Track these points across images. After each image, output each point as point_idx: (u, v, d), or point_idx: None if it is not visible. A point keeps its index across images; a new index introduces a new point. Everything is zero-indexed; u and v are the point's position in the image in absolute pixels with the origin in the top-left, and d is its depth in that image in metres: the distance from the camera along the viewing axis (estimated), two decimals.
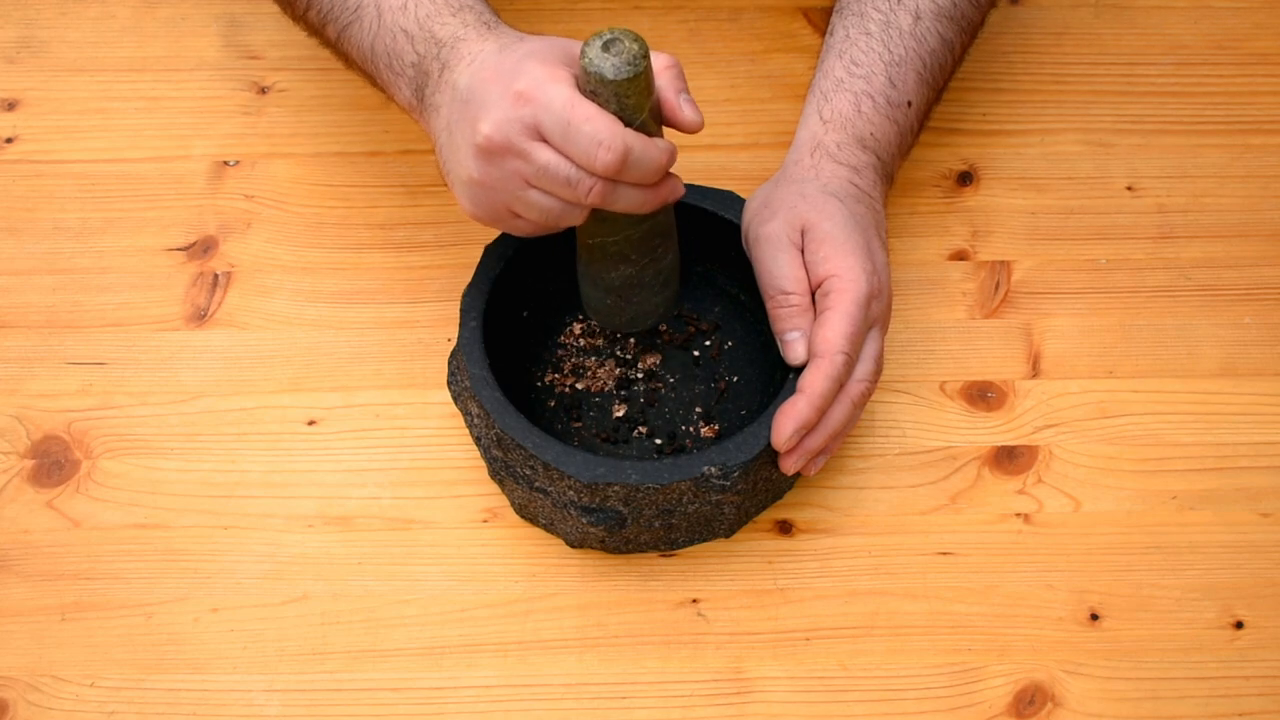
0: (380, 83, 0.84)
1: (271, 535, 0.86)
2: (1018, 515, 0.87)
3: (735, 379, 0.90)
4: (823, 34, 0.93)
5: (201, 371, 0.92)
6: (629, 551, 0.85)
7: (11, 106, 1.04)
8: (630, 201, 0.74)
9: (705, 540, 0.85)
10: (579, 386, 0.90)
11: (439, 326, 0.93)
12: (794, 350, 0.81)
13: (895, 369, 0.91)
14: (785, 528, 0.86)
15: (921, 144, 0.96)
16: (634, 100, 0.71)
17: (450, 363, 0.86)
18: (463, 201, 0.78)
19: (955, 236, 0.98)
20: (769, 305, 0.82)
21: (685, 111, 0.74)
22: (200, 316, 0.94)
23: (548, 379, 0.90)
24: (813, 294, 0.81)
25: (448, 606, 0.84)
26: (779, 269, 0.81)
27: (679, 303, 0.90)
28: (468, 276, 0.85)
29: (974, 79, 1.04)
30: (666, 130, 0.76)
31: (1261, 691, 0.81)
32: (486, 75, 0.74)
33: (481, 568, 0.85)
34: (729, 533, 0.85)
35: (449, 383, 0.86)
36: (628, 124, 0.72)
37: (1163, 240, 0.98)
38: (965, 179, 1.00)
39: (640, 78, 0.71)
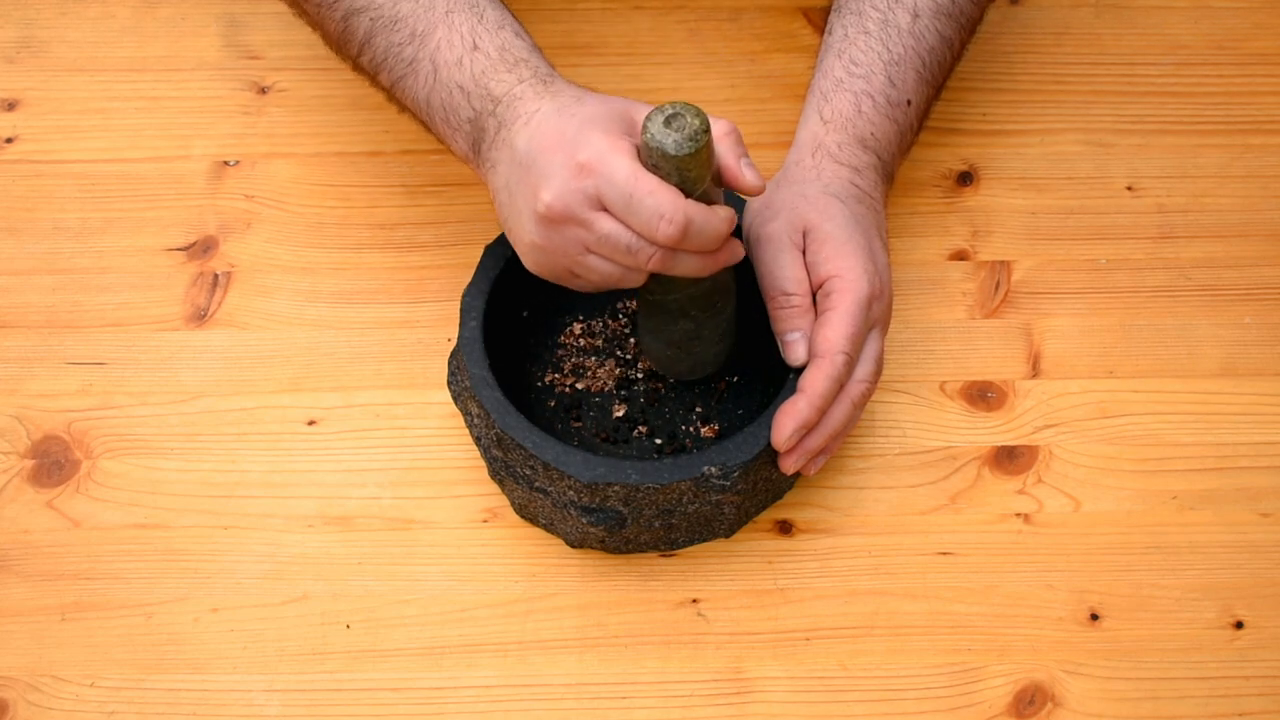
0: (436, 133, 0.84)
1: (271, 535, 0.86)
2: (1018, 515, 0.87)
3: (735, 379, 0.89)
4: (822, 33, 0.93)
5: (201, 371, 0.92)
6: (629, 551, 0.85)
7: (11, 106, 1.04)
8: (690, 267, 0.76)
9: (705, 540, 0.85)
10: (579, 386, 0.90)
11: (439, 326, 0.93)
12: (794, 351, 0.81)
13: (895, 369, 0.91)
14: (785, 528, 0.86)
15: (921, 144, 0.96)
16: (695, 173, 0.73)
17: (450, 363, 0.86)
18: (525, 260, 0.80)
19: (955, 236, 0.98)
20: (770, 306, 0.82)
21: (747, 177, 0.76)
22: (200, 316, 0.94)
23: (548, 379, 0.90)
24: (813, 295, 0.81)
25: (448, 606, 0.84)
26: (780, 270, 0.81)
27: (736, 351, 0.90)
28: (468, 276, 0.85)
29: (974, 79, 1.04)
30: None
31: (1261, 691, 0.81)
32: (547, 142, 0.75)
33: (481, 568, 0.85)
34: (729, 533, 0.85)
35: (449, 383, 0.86)
36: (688, 194, 0.73)
37: (1163, 240, 0.98)
38: (965, 179, 1.00)
39: (701, 152, 0.72)
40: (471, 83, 0.80)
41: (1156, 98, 1.04)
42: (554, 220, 0.75)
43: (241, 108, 1.04)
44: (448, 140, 0.83)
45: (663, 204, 0.72)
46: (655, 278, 0.79)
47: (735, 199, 0.88)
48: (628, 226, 0.73)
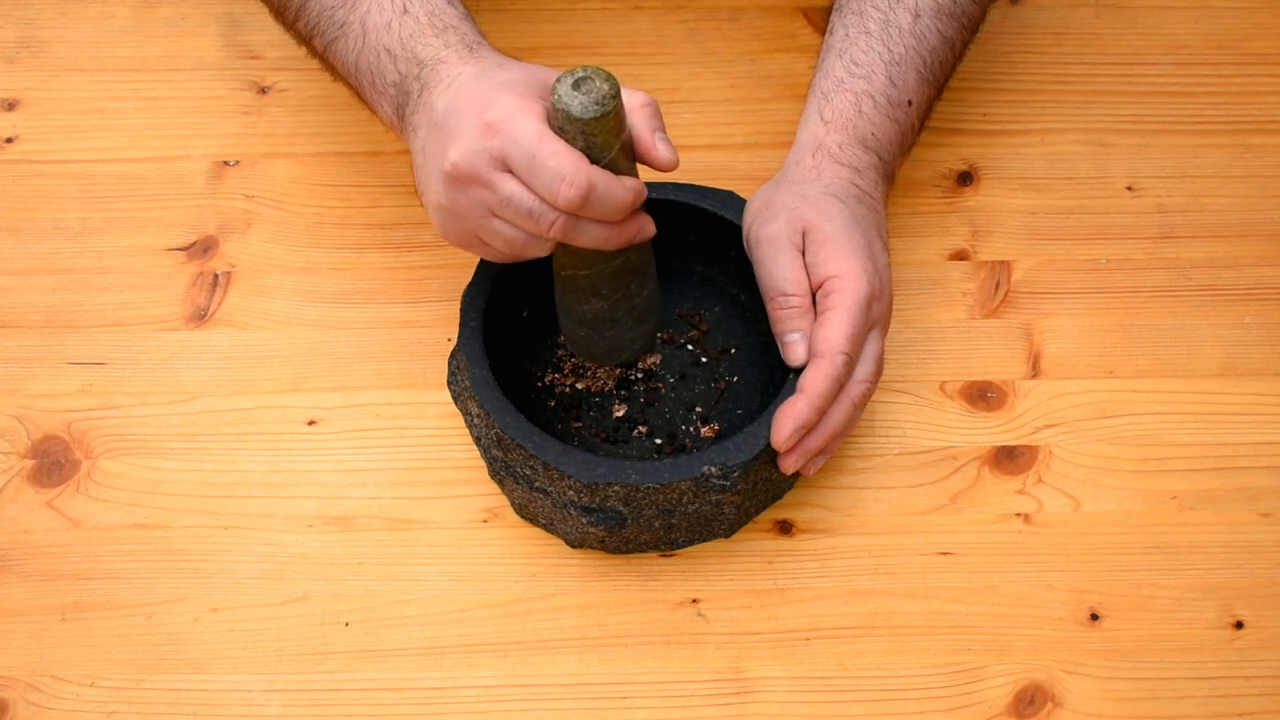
0: (363, 98, 0.85)
1: (271, 535, 0.86)
2: (1018, 515, 0.87)
3: (735, 379, 0.90)
4: (823, 33, 0.93)
5: (201, 371, 0.92)
6: (629, 551, 0.85)
7: (11, 106, 1.04)
8: (594, 237, 0.75)
9: (705, 540, 0.85)
10: (579, 386, 0.90)
11: (439, 326, 0.93)
12: (794, 352, 0.81)
13: (895, 369, 0.91)
14: (785, 528, 0.86)
15: (921, 144, 0.96)
16: (601, 139, 0.72)
17: (450, 363, 0.86)
18: (434, 223, 0.79)
19: (955, 236, 0.98)
20: (769, 307, 0.82)
21: (660, 150, 0.75)
22: (200, 316, 0.94)
23: (548, 379, 0.90)
24: (813, 295, 0.81)
25: (448, 606, 0.84)
26: (780, 270, 0.81)
27: (660, 335, 0.90)
28: (468, 276, 0.85)
29: (974, 79, 1.04)
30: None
31: (1261, 691, 0.81)
32: (461, 102, 0.75)
33: (481, 568, 0.85)
34: (729, 533, 0.85)
35: (449, 383, 0.86)
36: (595, 161, 0.72)
37: (1163, 240, 0.98)
38: (965, 179, 1.00)
39: (608, 117, 0.71)
40: (399, 46, 0.80)
41: (1156, 98, 1.04)
42: (459, 180, 0.74)
43: (241, 108, 1.04)
44: (374, 105, 0.83)
45: (564, 166, 0.70)
46: (566, 251, 0.77)
47: (736, 200, 0.88)
48: (531, 189, 0.72)
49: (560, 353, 0.91)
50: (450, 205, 0.76)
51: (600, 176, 0.72)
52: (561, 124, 0.71)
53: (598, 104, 0.70)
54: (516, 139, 0.71)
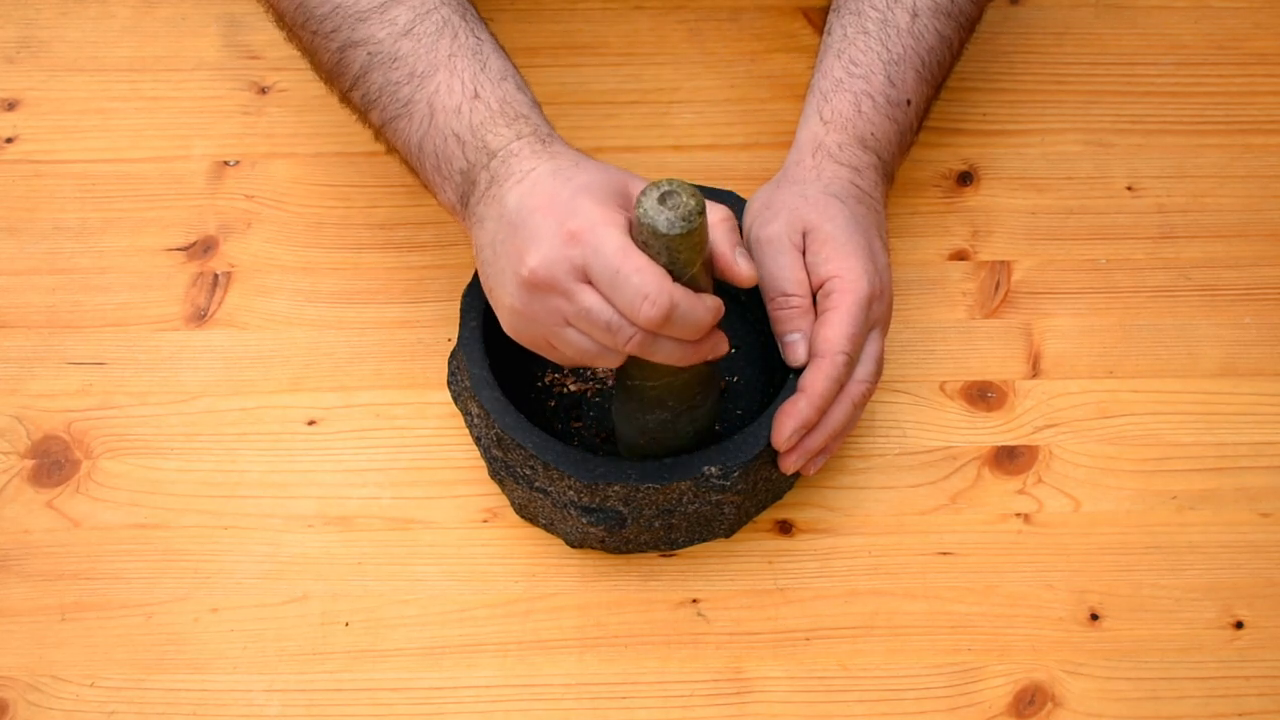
0: (423, 179, 0.82)
1: (271, 535, 0.86)
2: (1018, 515, 0.87)
3: (735, 379, 0.90)
4: (821, 33, 0.93)
5: (201, 371, 0.92)
6: (629, 551, 0.85)
7: (11, 106, 1.04)
8: (669, 354, 0.73)
9: (705, 540, 0.85)
10: (579, 386, 0.90)
11: (439, 326, 0.93)
12: (794, 352, 0.81)
13: (895, 369, 0.91)
14: (785, 528, 0.86)
15: (921, 144, 0.96)
16: (685, 255, 0.70)
17: (450, 363, 0.86)
18: (504, 323, 0.77)
19: (955, 236, 0.98)
20: (770, 307, 0.82)
21: (740, 266, 0.73)
22: (200, 316, 0.94)
23: (548, 379, 0.90)
24: (814, 296, 0.81)
25: (448, 606, 0.84)
26: (780, 271, 0.81)
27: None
28: (468, 276, 0.85)
29: (974, 79, 1.04)
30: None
31: (1261, 691, 0.81)
32: (538, 203, 0.72)
33: (481, 568, 0.85)
34: (729, 533, 0.85)
35: (449, 383, 0.86)
36: (677, 277, 0.70)
37: (1163, 240, 0.98)
38: (965, 179, 1.00)
39: (694, 234, 0.69)
40: (469, 132, 0.77)
41: (1156, 98, 1.04)
42: (537, 286, 0.72)
43: (241, 108, 1.04)
44: (435, 188, 0.81)
45: (648, 284, 0.68)
46: (634, 363, 0.76)
47: (736, 200, 0.88)
48: (610, 303, 0.71)
49: None
50: (524, 310, 0.74)
51: (682, 295, 0.70)
52: (646, 238, 0.69)
53: (684, 220, 0.68)
54: (600, 251, 0.69)
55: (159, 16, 1.08)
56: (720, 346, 0.75)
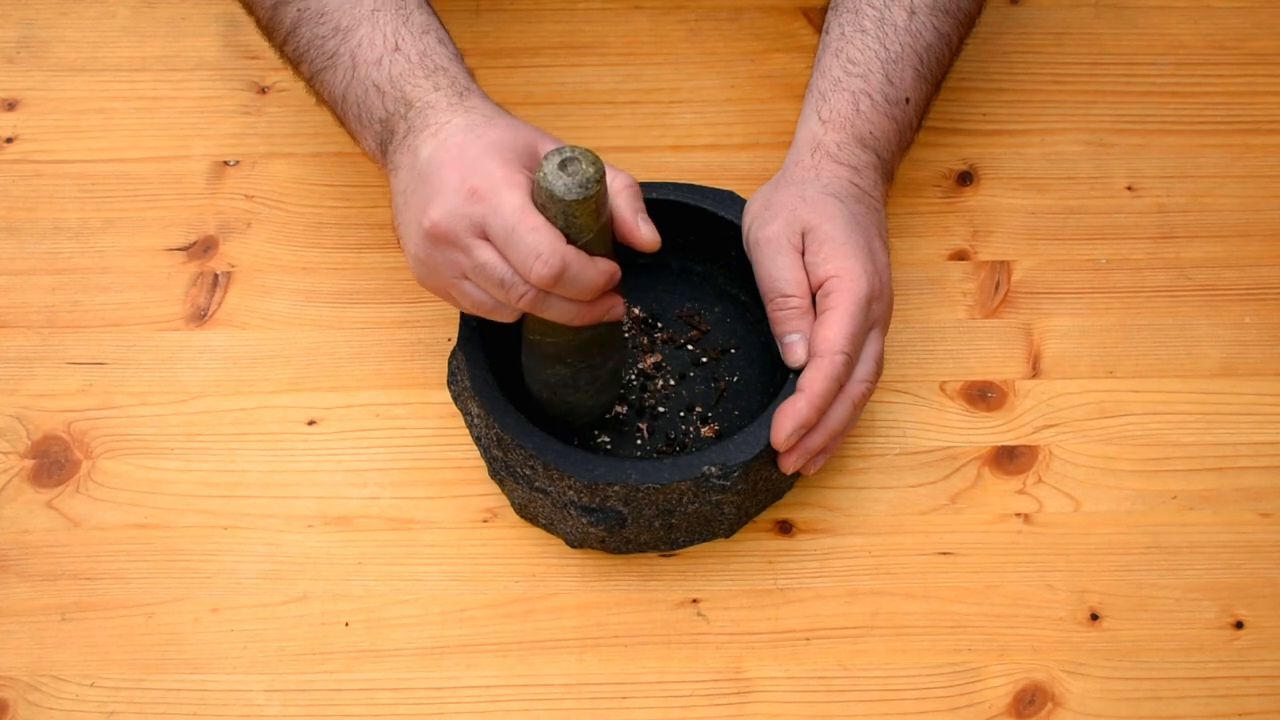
0: (347, 128, 0.85)
1: (271, 535, 0.86)
2: (1018, 515, 0.87)
3: (735, 379, 0.90)
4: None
5: (201, 371, 0.92)
6: (629, 551, 0.85)
7: (11, 106, 1.04)
8: (561, 313, 0.76)
9: (705, 540, 0.85)
10: None
11: (439, 326, 0.93)
12: (794, 353, 0.81)
13: (895, 369, 0.91)
14: (785, 528, 0.86)
15: (921, 144, 0.96)
16: (582, 220, 0.72)
17: (450, 363, 0.86)
18: (409, 266, 0.80)
19: (955, 236, 0.98)
20: (769, 308, 0.82)
21: (642, 231, 0.76)
22: (200, 316, 0.94)
23: None
24: (813, 296, 0.81)
25: (448, 606, 0.84)
26: (779, 271, 0.81)
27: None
28: None
29: (974, 79, 1.04)
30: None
31: (1261, 691, 0.81)
32: (447, 157, 0.75)
33: (481, 568, 0.85)
34: (729, 533, 0.85)
35: (449, 383, 0.86)
36: (573, 240, 0.73)
37: (1163, 240, 0.98)
38: (965, 179, 1.00)
39: (591, 200, 0.72)
40: (388, 83, 0.80)
41: (1156, 98, 1.04)
42: (437, 239, 0.75)
43: (241, 108, 1.04)
44: (358, 137, 0.84)
45: (541, 244, 0.71)
46: (535, 318, 0.78)
47: (736, 200, 0.88)
48: (506, 260, 0.73)
49: None
50: (425, 259, 0.77)
51: (575, 257, 0.73)
52: (544, 201, 0.72)
53: (581, 186, 0.71)
54: (499, 210, 0.72)
55: (159, 16, 1.08)
56: (615, 310, 0.78)
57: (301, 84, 0.87)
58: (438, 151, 0.76)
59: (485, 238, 0.74)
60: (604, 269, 0.75)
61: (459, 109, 0.78)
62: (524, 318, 0.80)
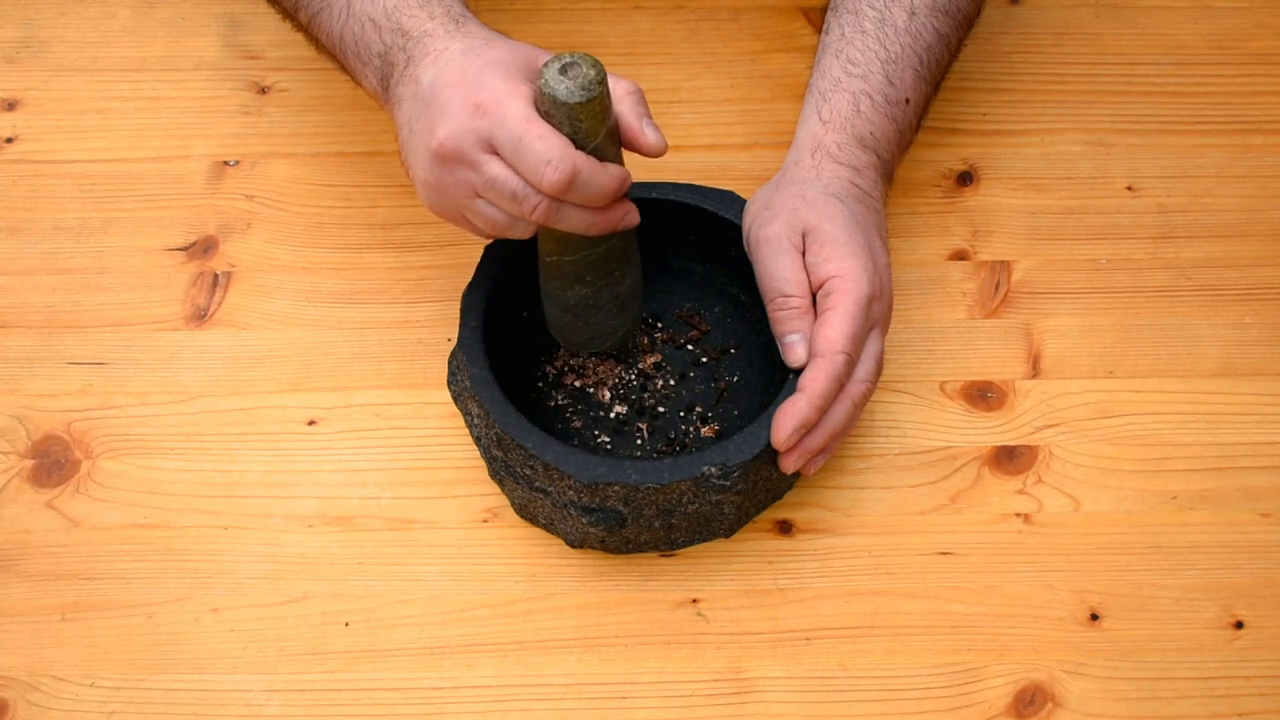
0: (347, 69, 0.85)
1: (271, 535, 0.86)
2: (1018, 515, 0.87)
3: (735, 379, 0.90)
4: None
5: (201, 371, 0.92)
6: (629, 551, 0.85)
7: (11, 106, 1.04)
8: (576, 222, 0.76)
9: (705, 540, 0.85)
10: (579, 385, 0.90)
11: (439, 326, 0.93)
12: (794, 353, 0.81)
13: (895, 369, 0.91)
14: (785, 528, 0.86)
15: (921, 144, 0.96)
16: (587, 124, 0.72)
17: (450, 363, 0.86)
18: (420, 197, 0.80)
19: (955, 236, 0.98)
20: (769, 308, 0.82)
21: (648, 135, 0.76)
22: (200, 316, 0.94)
23: (548, 378, 0.90)
24: (813, 296, 0.81)
25: (448, 606, 0.84)
26: (780, 271, 0.81)
27: (640, 326, 0.90)
28: (468, 276, 0.85)
29: (974, 79, 1.04)
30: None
31: (1261, 691, 0.81)
32: (449, 79, 0.75)
33: (481, 568, 0.85)
34: (729, 533, 0.85)
35: (449, 383, 0.86)
36: (580, 146, 0.73)
37: (1163, 240, 0.98)
38: (965, 179, 1.00)
39: (594, 102, 0.72)
40: (384, 16, 0.80)
41: (1156, 98, 1.04)
42: (445, 158, 0.75)
43: (241, 108, 1.04)
44: (358, 76, 0.84)
45: (550, 150, 0.71)
46: (550, 237, 0.78)
47: (736, 200, 0.88)
48: (516, 172, 0.73)
49: (560, 352, 0.91)
50: (436, 182, 0.77)
51: (585, 161, 0.73)
52: (548, 108, 0.72)
53: (584, 89, 0.71)
54: (504, 121, 0.72)
55: (159, 16, 1.08)
56: (630, 216, 0.78)
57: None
58: (439, 75, 0.76)
59: (494, 152, 0.74)
60: (615, 173, 0.75)
61: (457, 35, 0.78)
62: (539, 241, 0.80)
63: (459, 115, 0.74)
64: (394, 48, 0.80)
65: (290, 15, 0.89)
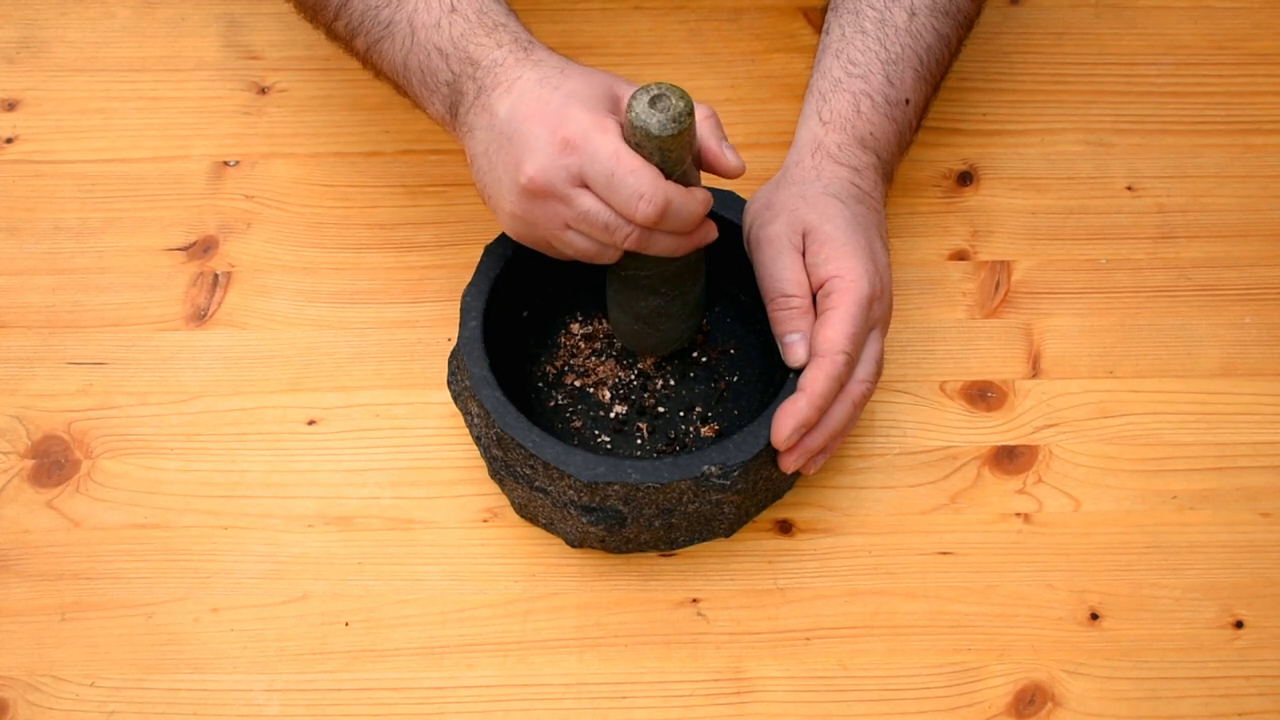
0: (411, 96, 0.85)
1: (271, 535, 0.86)
2: (1018, 515, 0.87)
3: (735, 379, 0.90)
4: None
5: (201, 371, 0.92)
6: (629, 551, 0.85)
7: (11, 106, 1.04)
8: (664, 247, 0.77)
9: (705, 540, 0.85)
10: (579, 385, 0.90)
11: (439, 326, 0.93)
12: (794, 353, 0.81)
13: (895, 369, 0.91)
14: (785, 527, 0.86)
15: (921, 144, 0.96)
16: (676, 154, 0.74)
17: (450, 362, 0.86)
18: (505, 227, 0.81)
19: (955, 236, 0.98)
20: (770, 308, 0.82)
21: (728, 158, 0.77)
22: (200, 316, 0.94)
23: (548, 378, 0.90)
24: (814, 296, 0.81)
25: (448, 606, 0.84)
26: (780, 271, 0.81)
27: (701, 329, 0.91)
28: (468, 276, 0.85)
29: (974, 79, 1.04)
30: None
31: (1261, 691, 0.81)
32: (528, 111, 0.76)
33: (481, 568, 0.85)
34: (729, 532, 0.85)
35: (449, 382, 0.86)
36: (669, 174, 0.74)
37: (1163, 240, 0.98)
38: (965, 179, 1.00)
39: (684, 133, 0.73)
40: (450, 45, 0.80)
41: (1156, 98, 1.04)
42: (535, 194, 0.76)
43: (241, 108, 1.04)
44: (424, 103, 0.84)
45: (643, 184, 0.73)
46: (628, 254, 0.79)
47: (736, 200, 0.88)
48: (607, 204, 0.75)
49: (560, 352, 0.91)
50: (524, 215, 0.77)
51: (675, 192, 0.74)
52: (639, 140, 0.73)
53: (675, 121, 0.73)
54: (595, 157, 0.73)
55: (159, 16, 1.08)
56: (710, 234, 0.80)
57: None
58: (517, 107, 0.76)
59: (584, 185, 0.75)
60: (702, 198, 0.76)
61: (528, 63, 0.78)
62: None
63: (547, 151, 0.74)
64: (463, 76, 0.80)
65: (345, 41, 0.88)
